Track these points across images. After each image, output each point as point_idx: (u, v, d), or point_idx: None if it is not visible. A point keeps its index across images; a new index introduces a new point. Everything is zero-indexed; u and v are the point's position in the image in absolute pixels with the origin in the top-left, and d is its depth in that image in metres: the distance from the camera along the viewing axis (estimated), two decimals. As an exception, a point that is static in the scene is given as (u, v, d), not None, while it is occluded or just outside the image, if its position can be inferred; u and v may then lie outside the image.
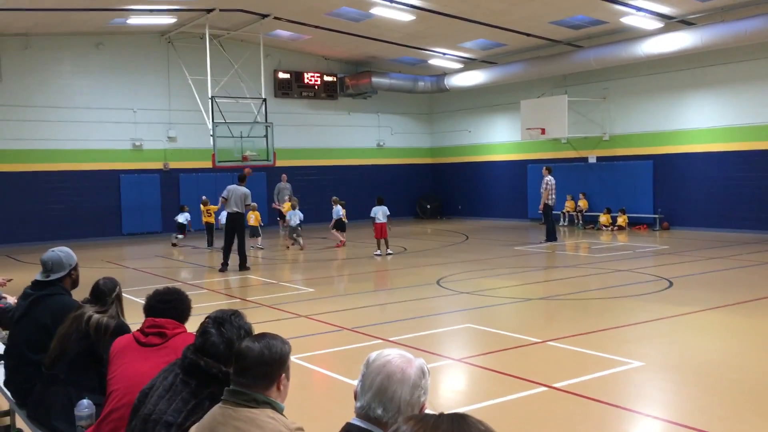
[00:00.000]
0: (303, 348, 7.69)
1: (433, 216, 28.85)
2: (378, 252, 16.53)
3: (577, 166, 24.74)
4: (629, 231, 21.77)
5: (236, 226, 14.44)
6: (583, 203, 24.19)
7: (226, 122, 20.37)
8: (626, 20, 18.96)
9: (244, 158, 20.28)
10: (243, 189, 14.61)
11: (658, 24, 19.10)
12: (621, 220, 22.53)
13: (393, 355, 2.24)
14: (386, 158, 29.11)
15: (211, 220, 19.21)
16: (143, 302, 3.74)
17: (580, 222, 23.88)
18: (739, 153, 20.24)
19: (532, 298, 11.06)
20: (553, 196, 18.97)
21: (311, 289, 12.04)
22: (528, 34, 21.42)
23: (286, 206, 20.43)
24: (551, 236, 18.78)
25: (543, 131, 23.40)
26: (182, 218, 20.13)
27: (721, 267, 13.54)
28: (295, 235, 18.27)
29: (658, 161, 22.31)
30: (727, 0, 17.42)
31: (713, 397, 6.01)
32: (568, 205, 24.38)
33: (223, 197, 14.65)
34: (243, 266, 14.39)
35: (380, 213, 16.54)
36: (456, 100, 28.92)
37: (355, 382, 2.27)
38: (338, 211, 18.51)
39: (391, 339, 8.06)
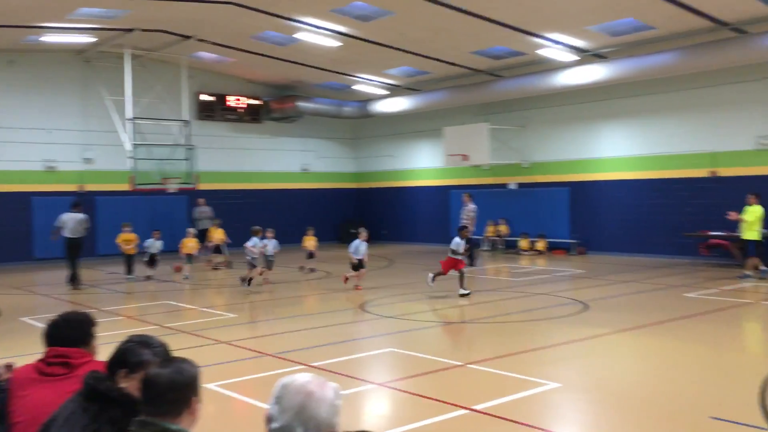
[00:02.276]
0: (223, 375, 7.52)
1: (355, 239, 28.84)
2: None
3: (498, 192, 25.35)
4: (548, 255, 22.38)
5: (76, 250, 15.64)
6: (504, 228, 24.75)
7: (146, 144, 19.89)
8: (543, 52, 19.70)
9: (164, 181, 19.82)
10: (80, 215, 15.82)
11: (573, 57, 19.92)
12: (540, 244, 23.16)
13: (309, 377, 2.28)
14: (311, 182, 29.06)
15: (132, 250, 17.12)
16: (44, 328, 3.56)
17: (501, 247, 24.43)
18: (649, 181, 21.22)
19: (454, 321, 11.20)
20: (473, 222, 19.34)
21: (233, 315, 11.82)
22: (451, 63, 21.94)
23: (215, 233, 19.94)
24: (472, 261, 19.10)
25: (465, 158, 23.89)
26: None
27: (633, 290, 14.08)
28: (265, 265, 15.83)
29: (575, 188, 23.12)
30: (637, 36, 18.35)
31: (626, 416, 6.22)
32: (490, 230, 24.89)
33: (56, 227, 15.89)
34: (74, 282, 15.42)
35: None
36: (381, 125, 29.23)
37: (257, 402, 2.25)
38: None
39: (313, 364, 7.99)
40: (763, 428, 5.64)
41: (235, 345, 9.27)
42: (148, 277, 16.82)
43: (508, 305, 12.54)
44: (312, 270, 17.89)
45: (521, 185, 24.78)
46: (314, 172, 29.19)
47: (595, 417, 6.35)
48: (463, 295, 13.09)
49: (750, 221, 15.47)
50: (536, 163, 24.28)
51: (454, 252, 13.50)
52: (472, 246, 19.61)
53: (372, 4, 16.69)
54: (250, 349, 8.99)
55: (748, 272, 15.40)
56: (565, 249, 22.99)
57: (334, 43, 19.70)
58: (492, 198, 25.18)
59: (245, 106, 26.47)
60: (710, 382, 7.34)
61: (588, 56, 20.11)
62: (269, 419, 2.23)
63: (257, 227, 15.98)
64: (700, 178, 20.01)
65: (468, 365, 7.93)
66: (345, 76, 24.40)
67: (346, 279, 14.69)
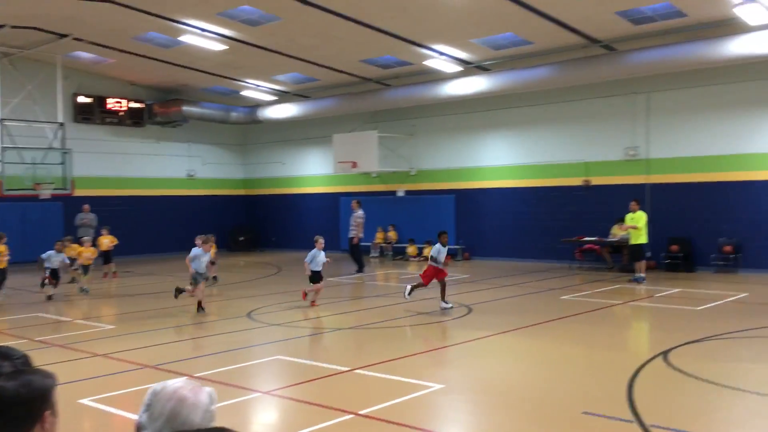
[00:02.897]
0: (99, 389, 7.19)
1: (246, 248, 28.41)
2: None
3: (387, 199, 25.69)
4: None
5: None
6: (392, 235, 25.10)
7: (16, 147, 18.71)
8: (430, 63, 20.19)
9: (36, 187, 18.72)
10: None
11: (457, 68, 20.54)
12: (427, 251, 23.64)
13: (181, 382, 2.20)
14: (197, 189, 28.31)
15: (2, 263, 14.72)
16: None
17: (390, 253, 24.76)
18: (529, 189, 22.19)
19: (342, 327, 11.24)
20: (361, 229, 19.53)
21: (111, 326, 11.32)
22: (340, 71, 22.06)
23: (104, 240, 18.87)
24: (361, 267, 19.28)
25: (354, 165, 24.05)
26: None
27: (514, 294, 14.66)
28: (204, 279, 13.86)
29: (460, 195, 23.81)
30: (516, 50, 19.17)
31: (505, 414, 6.47)
32: (379, 236, 25.17)
33: None
34: None
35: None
36: (270, 131, 28.93)
37: (137, 416, 2.17)
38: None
39: (197, 375, 7.79)
40: (631, 421, 6.01)
41: (114, 358, 8.88)
42: (50, 297, 14.34)
43: (395, 310, 12.72)
44: (215, 279, 17.25)
45: (409, 192, 25.24)
46: (201, 179, 28.48)
47: (475, 416, 6.56)
48: (445, 309, 12.07)
49: (640, 227, 16.49)
50: (423, 171, 24.81)
51: (434, 260, 12.39)
52: (360, 252, 19.82)
53: (260, 8, 16.53)
54: (129, 362, 8.64)
55: (641, 275, 16.40)
56: (451, 255, 23.57)
57: (220, 46, 19.34)
58: (381, 205, 25.49)
59: (126, 109, 25.45)
60: (583, 379, 7.75)
61: (472, 68, 20.79)
62: (138, 428, 2.14)
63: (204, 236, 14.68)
64: (575, 187, 21.12)
65: (355, 370, 7.98)
66: (232, 80, 23.99)
67: (305, 294, 13.12)
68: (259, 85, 24.69)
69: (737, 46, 16.14)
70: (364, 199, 22.61)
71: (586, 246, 20.18)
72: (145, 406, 2.15)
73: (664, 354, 8.58)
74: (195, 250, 12.64)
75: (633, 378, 7.40)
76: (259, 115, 26.82)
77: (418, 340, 9.97)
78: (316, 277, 13.06)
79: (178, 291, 13.01)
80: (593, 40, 18.01)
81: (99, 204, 23.43)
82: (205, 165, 28.64)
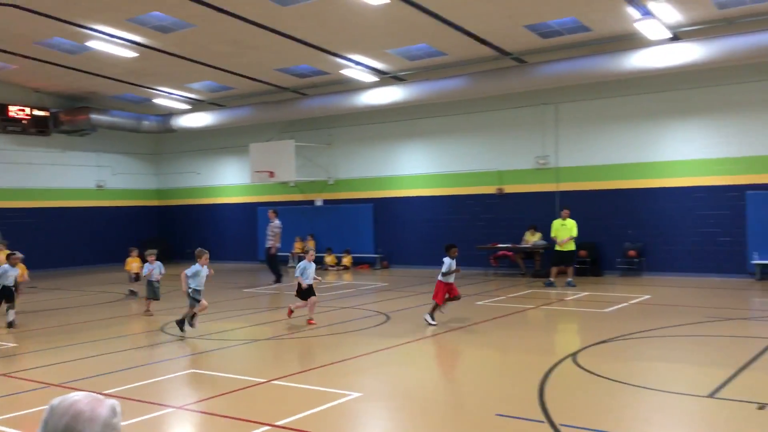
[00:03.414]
0: (-1, 411, 6.81)
1: (160, 260, 27.57)
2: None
3: (305, 208, 25.57)
4: (353, 270, 22.91)
5: None
6: (311, 245, 24.96)
7: None
8: (346, 72, 20.27)
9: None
10: None
11: (374, 78, 20.71)
12: (346, 260, 23.66)
13: (80, 395, 2.11)
14: (107, 200, 27.35)
15: None
16: None
17: (309, 263, 24.62)
18: (445, 197, 22.57)
19: (260, 339, 11.09)
20: (278, 239, 19.34)
21: (13, 344, 10.76)
22: (255, 80, 21.84)
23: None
24: (278, 278, 19.10)
25: (272, 174, 23.84)
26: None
27: (430, 301, 14.81)
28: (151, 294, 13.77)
29: (378, 204, 23.97)
30: (431, 61, 19.50)
31: (421, 419, 6.53)
32: (297, 246, 24.99)
33: None
34: None
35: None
36: (184, 141, 28.31)
37: (35, 432, 2.08)
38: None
39: (106, 392, 7.50)
40: (542, 421, 6.18)
41: (15, 377, 8.45)
42: (10, 324, 12.27)
43: (314, 319, 12.65)
44: (134, 293, 16.59)
45: (327, 202, 25.20)
46: (111, 189, 27.53)
47: (392, 422, 6.61)
48: (430, 324, 11.38)
49: (573, 234, 16.95)
50: (341, 180, 24.83)
51: (444, 275, 11.65)
52: (278, 263, 19.62)
53: (171, 15, 16.17)
54: (33, 381, 8.24)
55: (569, 279, 16.88)
56: (370, 263, 23.70)
57: (130, 53, 18.79)
58: (299, 215, 25.35)
59: (30, 117, 24.33)
60: (497, 382, 7.93)
61: (388, 78, 21.01)
62: (35, 446, 2.05)
63: (150, 250, 14.20)
64: (489, 195, 21.64)
65: (272, 381, 7.89)
66: (144, 88, 23.34)
67: (291, 312, 12.04)
68: (171, 93, 24.13)
69: (638, 60, 16.98)
70: (281, 208, 22.43)
71: (501, 252, 20.69)
72: (43, 421, 2.06)
73: (574, 355, 8.89)
74: (195, 266, 11.29)
75: (544, 379, 7.63)
76: (173, 124, 26.20)
77: (337, 348, 9.95)
78: (308, 291, 11.82)
79: (182, 323, 11.11)
80: (504, 53, 18.54)
81: (1, 216, 22.30)
82: (115, 175, 27.71)
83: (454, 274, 11.74)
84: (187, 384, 8.30)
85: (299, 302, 11.93)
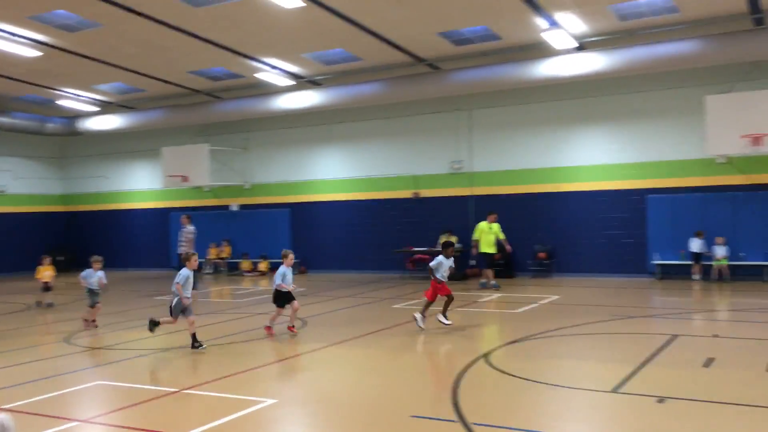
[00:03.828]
0: None
1: (66, 268, 26.48)
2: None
3: (220, 213, 25.12)
4: (270, 276, 22.64)
5: None
6: (227, 250, 24.56)
7: None
8: (261, 76, 20.05)
9: None
10: None
11: (290, 82, 20.58)
12: (262, 265, 23.38)
13: None
14: (8, 206, 26.04)
15: None
16: None
17: (224, 269, 24.20)
18: (361, 202, 22.68)
19: (173, 347, 10.80)
20: (192, 245, 18.88)
21: None
22: (167, 82, 21.28)
23: None
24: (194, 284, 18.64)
25: (185, 179, 23.30)
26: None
27: (347, 305, 14.87)
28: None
29: (295, 209, 23.82)
30: (347, 66, 19.56)
31: (336, 424, 6.53)
32: (212, 252, 24.52)
33: None
34: None
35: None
36: (92, 144, 27.31)
37: None
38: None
39: (6, 406, 7.13)
40: (455, 421, 6.30)
41: None
42: None
43: (229, 327, 12.44)
44: (50, 305, 15.81)
45: (243, 206, 24.85)
46: (12, 195, 26.23)
47: (306, 428, 6.57)
48: (444, 324, 11.16)
49: (500, 237, 17.22)
50: (258, 185, 24.55)
51: (432, 272, 11.33)
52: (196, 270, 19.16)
53: (77, 14, 15.55)
54: (-77, 399, 7.72)
55: (492, 281, 17.16)
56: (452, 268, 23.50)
57: (33, 52, 17.94)
58: (214, 220, 24.88)
59: None
60: (412, 384, 8.02)
61: (304, 82, 20.92)
62: None
63: (96, 257, 13.05)
64: (405, 199, 21.90)
65: (184, 391, 7.70)
66: (48, 89, 22.33)
67: (270, 328, 11.20)
68: (78, 95, 23.20)
69: (546, 68, 17.59)
70: (195, 214, 21.96)
71: (417, 256, 20.94)
72: None
73: (486, 355, 9.10)
74: (185, 271, 10.29)
75: (458, 380, 7.77)
76: (79, 127, 25.23)
77: (253, 355, 9.81)
78: (287, 297, 11.17)
79: (154, 324, 10.52)
80: (419, 59, 18.80)
81: None
82: (17, 180, 26.43)
83: (447, 273, 11.39)
84: (93, 396, 7.99)
85: (273, 312, 11.27)
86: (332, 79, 20.73)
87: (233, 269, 24.03)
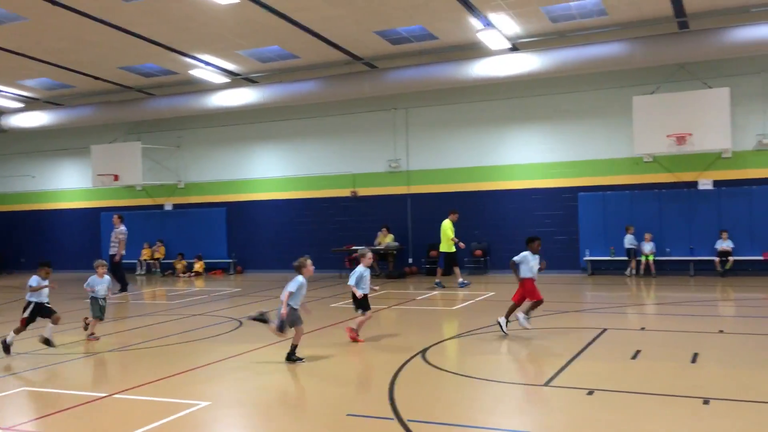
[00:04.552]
0: None
1: (-11, 271, 25.45)
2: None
3: (154, 213, 24.56)
4: (206, 276, 22.28)
5: None
6: (160, 251, 24.03)
7: None
8: (195, 73, 19.68)
9: None
10: None
11: (225, 79, 20.26)
12: (198, 266, 22.97)
13: None
14: (-74, 206, 24.83)
15: None
16: None
17: (157, 270, 23.67)
18: (300, 200, 22.54)
19: (102, 351, 10.49)
20: (123, 245, 18.41)
21: None
22: (96, 78, 20.66)
23: None
24: (124, 286, 18.18)
25: (116, 178, 22.69)
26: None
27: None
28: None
29: (231, 208, 23.48)
30: (283, 63, 19.39)
31: (272, 424, 6.46)
32: (145, 253, 23.96)
33: None
34: None
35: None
36: (16, 142, 26.28)
37: None
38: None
39: None
40: (391, 418, 6.32)
41: None
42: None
43: (163, 329, 12.17)
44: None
45: (177, 206, 24.36)
46: (-70, 194, 25.01)
47: (242, 429, 6.48)
48: (525, 327, 10.23)
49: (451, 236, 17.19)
50: (192, 184, 24.10)
51: (516, 269, 10.27)
52: (123, 270, 18.64)
53: (2, 7, 14.93)
54: None
55: (438, 280, 17.17)
56: (223, 269, 23.16)
57: (-48, 45, 17.16)
58: (147, 219, 24.31)
59: None
60: (348, 382, 8.01)
61: (240, 79, 20.64)
62: None
63: (99, 260, 11.65)
64: (344, 197, 21.87)
65: (114, 395, 7.49)
66: (-31, 84, 21.40)
67: (355, 333, 10.20)
68: (2, 91, 22.28)
69: (481, 68, 17.84)
70: (127, 213, 21.41)
71: (355, 254, 20.91)
72: None
73: (423, 352, 9.17)
74: (301, 279, 9.10)
75: (394, 378, 7.80)
76: (4, 124, 24.25)
77: (187, 357, 9.62)
78: (364, 302, 10.13)
79: (261, 317, 9.30)
80: (356, 57, 18.80)
81: None
82: (-65, 179, 25.23)
83: (537, 270, 10.29)
84: (17, 403, 7.68)
85: (359, 317, 10.18)
86: (269, 77, 20.52)
87: (167, 270, 23.51)
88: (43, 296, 10.37)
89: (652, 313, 13.14)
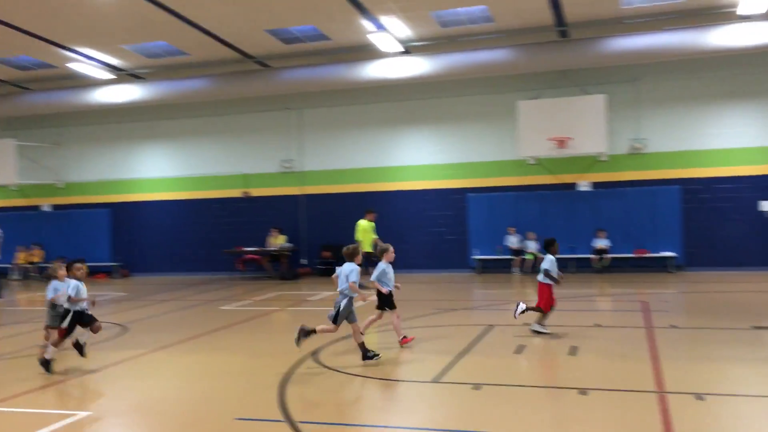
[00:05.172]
0: None
1: None
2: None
3: (30, 215, 23.20)
4: (89, 280, 21.23)
5: None
6: (37, 254, 22.73)
7: None
8: (75, 67, 18.74)
9: None
10: None
11: (108, 74, 19.41)
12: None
13: None
14: None
15: None
16: None
17: (35, 275, 22.38)
18: (189, 201, 21.94)
19: (-29, 362, 9.79)
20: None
21: None
22: (-36, 70, 19.28)
23: None
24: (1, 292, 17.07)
25: (-13, 177, 21.27)
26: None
27: (173, 308, 14.32)
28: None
29: (116, 209, 22.55)
30: (171, 60, 18.81)
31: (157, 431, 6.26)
32: (21, 257, 22.60)
33: None
34: None
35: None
36: None
37: None
38: None
39: None
40: (281, 421, 6.27)
41: None
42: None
43: (41, 336, 11.49)
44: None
45: (57, 207, 23.14)
46: None
47: (126, 439, 6.24)
48: (542, 333, 9.95)
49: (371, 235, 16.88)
50: (73, 184, 22.96)
51: (548, 275, 10.05)
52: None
53: None
54: None
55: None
56: (108, 272, 22.21)
57: None
58: (23, 221, 22.94)
59: None
60: (238, 386, 7.87)
61: (125, 75, 19.85)
62: None
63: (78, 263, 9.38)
64: (235, 198, 21.48)
65: (-17, 409, 7.01)
66: None
67: (403, 337, 9.52)
68: None
69: (374, 70, 18.02)
70: (0, 215, 20.10)
71: (247, 256, 20.61)
72: None
73: (315, 353, 9.15)
74: (353, 266, 8.68)
75: (285, 379, 7.75)
76: None
77: (64, 366, 9.14)
78: (388, 299, 9.50)
79: (305, 334, 8.71)
80: (247, 56, 18.51)
81: None
82: None
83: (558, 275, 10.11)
84: None
85: (395, 318, 9.56)
86: (156, 73, 19.84)
87: (45, 274, 22.27)
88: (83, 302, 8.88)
89: (535, 309, 13.69)
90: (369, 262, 17.05)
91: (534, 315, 10.29)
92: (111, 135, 22.57)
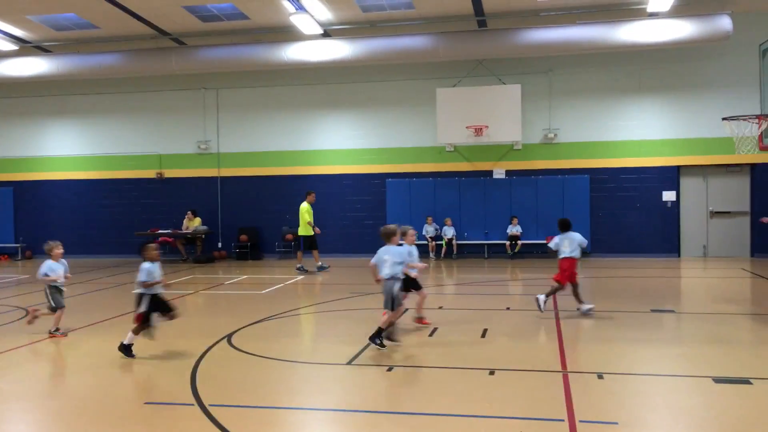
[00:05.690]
0: None
1: None
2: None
3: (-76, 192, 21.85)
4: (-11, 263, 20.25)
5: None
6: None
7: None
8: (-24, 37, 17.72)
9: None
10: None
11: (12, 46, 18.44)
12: (-21, 251, 20.82)
13: None
14: None
15: None
16: None
17: (-70, 256, 21.16)
18: (99, 181, 21.19)
19: None
20: None
21: None
22: None
23: None
24: None
25: None
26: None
27: (80, 291, 13.85)
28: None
29: (19, 188, 21.60)
30: (81, 33, 18.03)
31: (63, 419, 6.06)
32: None
33: None
34: None
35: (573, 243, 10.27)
36: None
37: None
38: None
39: None
40: (191, 404, 6.18)
41: None
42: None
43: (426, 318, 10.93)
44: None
45: (-46, 185, 21.87)
46: None
47: (27, 426, 6.01)
48: (588, 311, 10.22)
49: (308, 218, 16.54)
50: (-28, 161, 21.75)
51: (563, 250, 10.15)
52: None
53: None
54: None
55: (300, 265, 16.59)
56: (10, 254, 21.22)
57: None
58: None
59: None
60: (149, 371, 7.71)
61: (30, 48, 18.91)
62: None
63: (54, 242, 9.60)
64: (149, 179, 20.88)
65: None
66: None
67: (420, 319, 9.66)
68: None
69: (293, 52, 17.82)
70: None
71: (161, 238, 20.11)
72: None
73: (229, 337, 9.06)
74: (405, 248, 8.82)
75: (197, 363, 7.64)
76: None
77: (-39, 352, 8.71)
78: (414, 281, 9.37)
79: (379, 336, 8.27)
80: (162, 32, 17.97)
81: None
82: None
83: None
84: None
85: (418, 297, 9.61)
86: (65, 47, 18.98)
87: (-58, 256, 21.05)
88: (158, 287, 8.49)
89: (450, 293, 14.00)
90: (308, 244, 16.88)
91: (573, 300, 10.51)
92: (14, 110, 21.48)
